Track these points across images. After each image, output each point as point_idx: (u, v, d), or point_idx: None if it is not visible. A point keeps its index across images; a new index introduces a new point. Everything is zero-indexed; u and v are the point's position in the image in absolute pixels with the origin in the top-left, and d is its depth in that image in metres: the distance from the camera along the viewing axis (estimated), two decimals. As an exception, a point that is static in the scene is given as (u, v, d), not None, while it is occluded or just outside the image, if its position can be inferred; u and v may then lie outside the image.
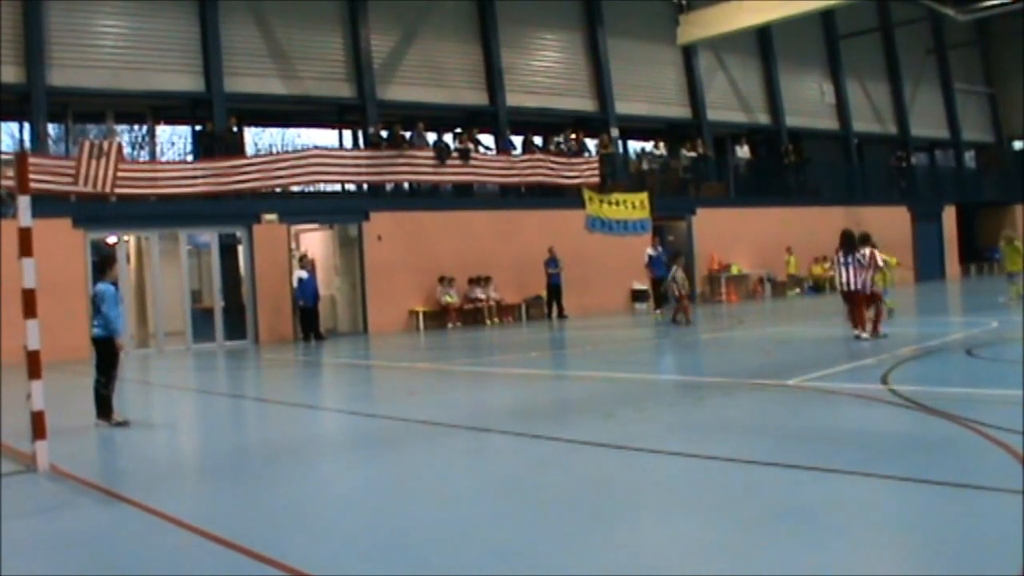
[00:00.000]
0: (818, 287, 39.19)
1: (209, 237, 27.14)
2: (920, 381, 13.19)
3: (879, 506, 6.98)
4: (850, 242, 18.29)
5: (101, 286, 12.25)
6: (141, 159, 27.60)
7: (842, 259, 18.32)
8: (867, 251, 21.43)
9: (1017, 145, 55.02)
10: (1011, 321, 20.45)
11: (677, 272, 25.87)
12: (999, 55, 53.90)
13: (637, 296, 33.34)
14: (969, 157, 54.01)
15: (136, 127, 29.01)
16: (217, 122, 27.66)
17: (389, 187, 30.56)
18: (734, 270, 36.89)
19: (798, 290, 38.72)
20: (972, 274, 47.40)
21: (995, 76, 54.61)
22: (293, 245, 28.13)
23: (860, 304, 18.10)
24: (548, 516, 7.08)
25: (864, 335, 17.73)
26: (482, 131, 32.99)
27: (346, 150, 31.23)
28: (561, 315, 30.46)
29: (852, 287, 18.10)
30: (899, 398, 11.32)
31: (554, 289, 30.60)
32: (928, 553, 5.94)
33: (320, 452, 10.53)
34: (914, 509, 6.90)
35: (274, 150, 29.40)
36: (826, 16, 43.25)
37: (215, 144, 27.39)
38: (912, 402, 10.95)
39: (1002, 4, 40.30)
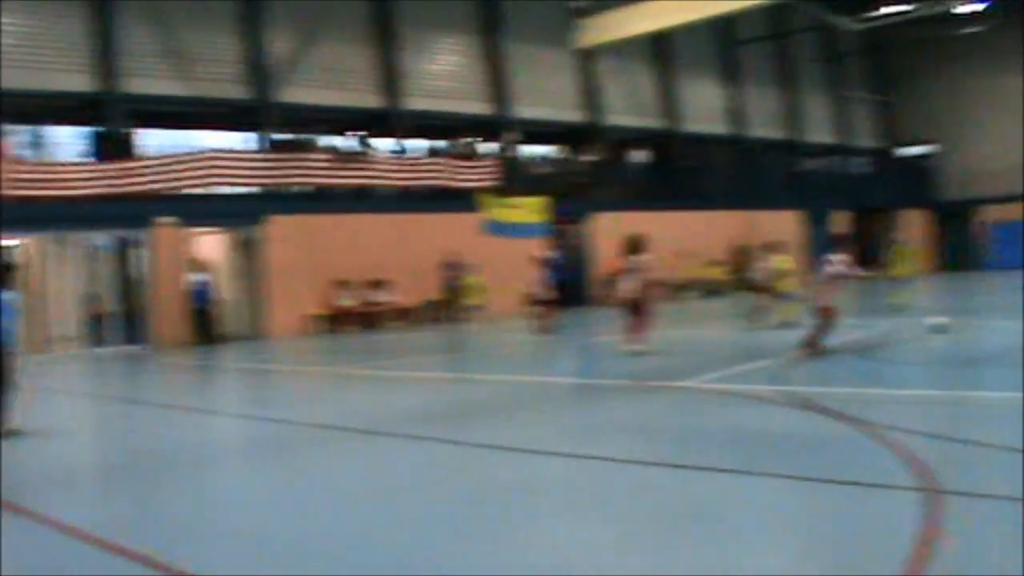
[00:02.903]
0: (714, 289, 39.93)
1: (105, 240, 26.93)
2: (812, 381, 13.75)
3: (771, 505, 7.33)
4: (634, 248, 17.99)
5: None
6: (34, 160, 27.26)
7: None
8: (770, 262, 22.29)
9: (905, 151, 56.61)
10: (899, 323, 21.27)
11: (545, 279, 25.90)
12: (889, 63, 55.56)
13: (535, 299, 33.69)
14: (860, 163, 55.39)
15: (29, 127, 28.64)
16: (113, 123, 27.58)
17: (287, 190, 30.58)
18: (630, 274, 37.41)
19: (694, 292, 39.40)
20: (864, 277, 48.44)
21: (885, 84, 56.25)
22: (190, 248, 28.01)
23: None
24: (448, 519, 7.28)
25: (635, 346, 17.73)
26: (380, 134, 33.22)
27: (244, 152, 31.20)
28: (459, 318, 30.73)
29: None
30: (791, 398, 11.81)
31: (452, 292, 30.85)
32: (819, 550, 6.29)
33: (217, 457, 10.76)
34: (805, 507, 7.30)
35: (171, 152, 29.12)
36: (723, 22, 44.10)
37: (111, 145, 27.27)
38: (803, 402, 11.46)
39: (893, 14, 41.52)
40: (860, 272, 17.86)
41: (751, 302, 23.07)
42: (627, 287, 17.90)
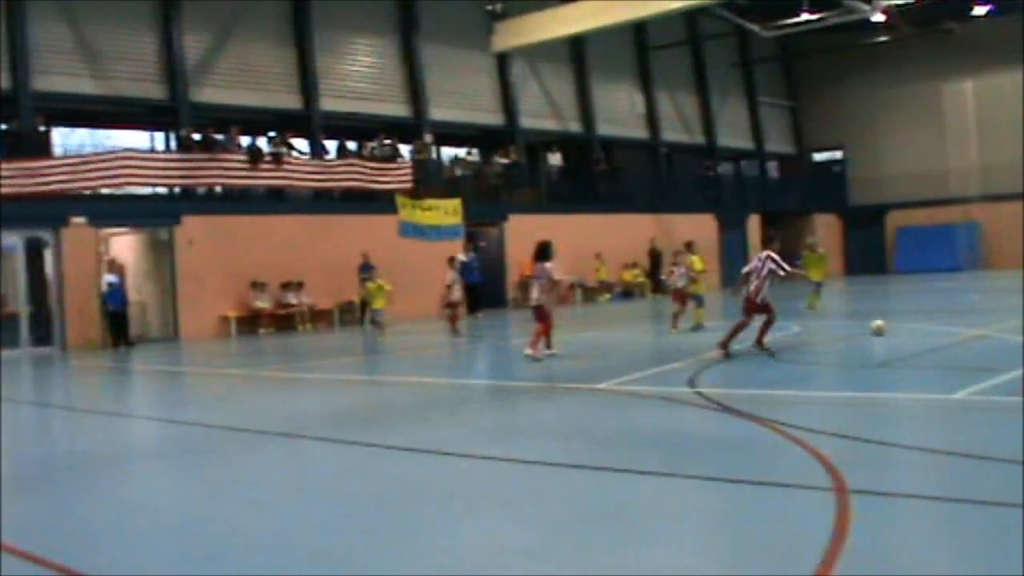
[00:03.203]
0: (628, 292, 40.39)
1: (14, 240, 26.57)
2: (725, 383, 13.96)
3: (687, 505, 7.47)
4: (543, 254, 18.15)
5: None
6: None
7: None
8: (683, 265, 22.54)
9: (817, 156, 57.67)
10: (812, 326, 21.72)
11: (455, 282, 25.94)
12: (801, 70, 56.59)
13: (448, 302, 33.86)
14: (772, 167, 56.42)
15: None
16: (23, 121, 27.30)
17: (201, 191, 30.52)
18: (546, 276, 37.67)
19: (608, 295, 39.81)
20: (775, 280, 49.11)
21: (797, 90, 57.32)
22: (102, 249, 27.83)
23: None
24: (365, 521, 7.32)
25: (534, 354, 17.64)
26: (296, 135, 33.17)
27: (158, 152, 31.06)
28: (374, 320, 30.74)
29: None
30: (704, 400, 12.00)
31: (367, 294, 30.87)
32: (734, 550, 6.38)
33: (130, 461, 10.64)
34: (720, 507, 7.39)
35: (83, 151, 28.87)
36: (638, 28, 44.82)
37: (21, 144, 26.96)
38: (716, 403, 11.67)
39: (805, 22, 42.27)
40: (790, 268, 17.77)
41: (671, 305, 23.23)
42: (532, 293, 18.14)
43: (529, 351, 17.51)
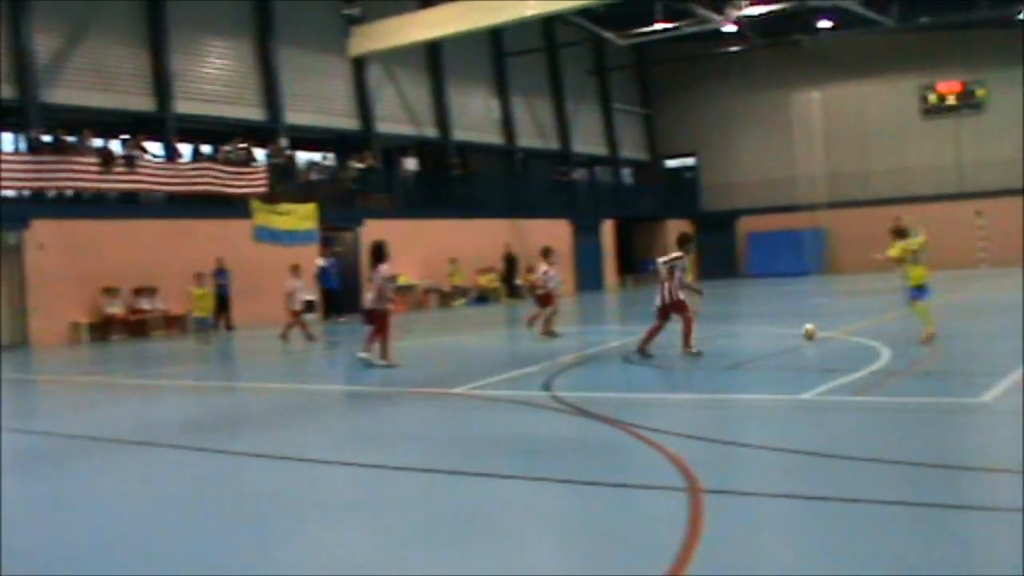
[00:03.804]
0: (483, 297, 40.85)
1: None
2: (580, 387, 14.34)
3: (542, 508, 7.60)
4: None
5: None
6: None
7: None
8: (544, 269, 22.50)
9: (670, 163, 58.97)
10: (668, 328, 22.16)
11: (298, 290, 25.94)
12: (655, 78, 57.89)
13: (307, 307, 33.90)
14: (626, 174, 57.57)
15: None
16: None
17: (52, 194, 30.01)
18: (401, 281, 37.97)
19: (463, 300, 40.20)
20: (629, 285, 50.44)
21: (651, 97, 58.67)
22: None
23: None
24: (224, 529, 7.36)
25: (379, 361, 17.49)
26: (150, 138, 32.85)
27: (6, 154, 30.39)
28: (229, 327, 30.74)
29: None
30: (560, 403, 12.22)
31: (222, 300, 30.79)
32: (589, 551, 6.52)
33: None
34: (575, 510, 7.55)
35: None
36: (494, 34, 45.42)
37: None
38: (572, 407, 11.91)
39: (659, 30, 43.40)
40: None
41: (535, 309, 23.04)
42: (366, 297, 17.93)
43: (363, 354, 17.49)
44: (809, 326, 18.15)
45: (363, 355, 17.53)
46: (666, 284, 16.59)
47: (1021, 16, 45.00)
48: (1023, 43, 46.87)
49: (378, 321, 17.51)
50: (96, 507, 8.31)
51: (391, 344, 17.65)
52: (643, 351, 16.60)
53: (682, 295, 16.51)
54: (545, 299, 22.24)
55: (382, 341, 17.54)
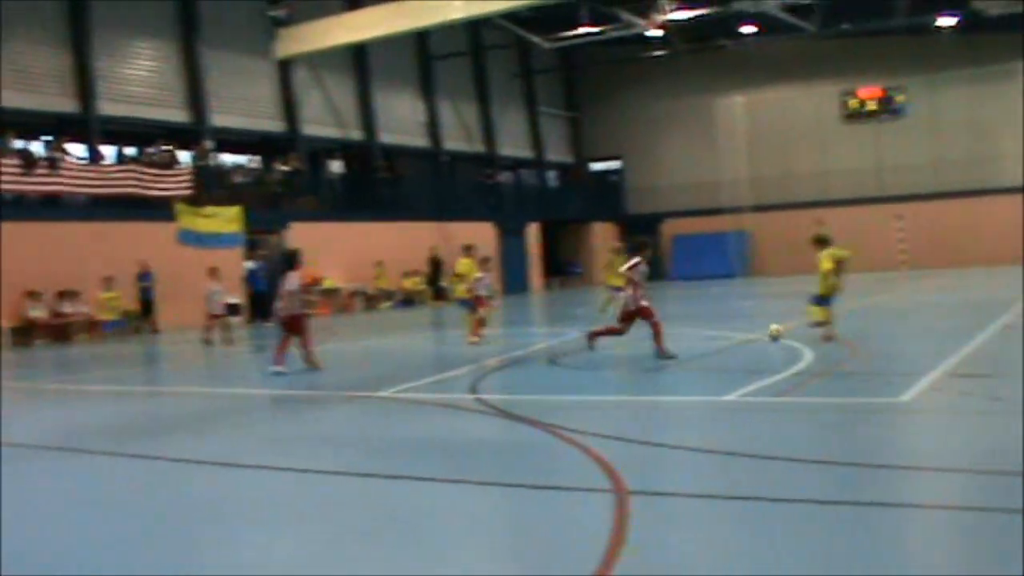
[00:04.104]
0: (409, 300, 40.93)
1: None
2: (506, 389, 14.55)
3: (466, 510, 7.64)
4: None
5: None
6: None
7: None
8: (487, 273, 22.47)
9: (595, 166, 59.42)
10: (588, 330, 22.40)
11: (216, 294, 25.78)
12: (581, 81, 58.36)
13: (231, 310, 33.79)
14: (552, 176, 57.92)
15: None
16: None
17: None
18: (327, 284, 37.94)
19: (389, 303, 40.25)
20: (555, 288, 50.81)
21: (577, 101, 59.11)
22: None
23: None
24: (152, 538, 7.30)
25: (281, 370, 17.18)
26: (73, 139, 32.60)
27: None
28: (154, 330, 30.60)
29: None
30: (486, 406, 12.38)
31: (146, 304, 30.67)
32: (514, 553, 6.67)
33: None
34: (500, 511, 7.68)
35: None
36: (420, 37, 45.52)
37: None
38: (498, 410, 12.08)
39: (585, 34, 43.83)
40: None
41: (463, 313, 22.84)
42: (278, 304, 17.71)
43: (276, 368, 17.06)
44: (775, 326, 18.22)
45: (276, 368, 17.07)
46: (631, 291, 16.60)
47: (939, 23, 46.05)
48: (941, 50, 48.00)
49: (295, 326, 17.41)
50: (22, 514, 8.17)
51: (312, 348, 17.63)
52: (591, 340, 17.04)
53: (645, 302, 16.49)
54: (479, 304, 21.95)
55: (303, 345, 17.51)
